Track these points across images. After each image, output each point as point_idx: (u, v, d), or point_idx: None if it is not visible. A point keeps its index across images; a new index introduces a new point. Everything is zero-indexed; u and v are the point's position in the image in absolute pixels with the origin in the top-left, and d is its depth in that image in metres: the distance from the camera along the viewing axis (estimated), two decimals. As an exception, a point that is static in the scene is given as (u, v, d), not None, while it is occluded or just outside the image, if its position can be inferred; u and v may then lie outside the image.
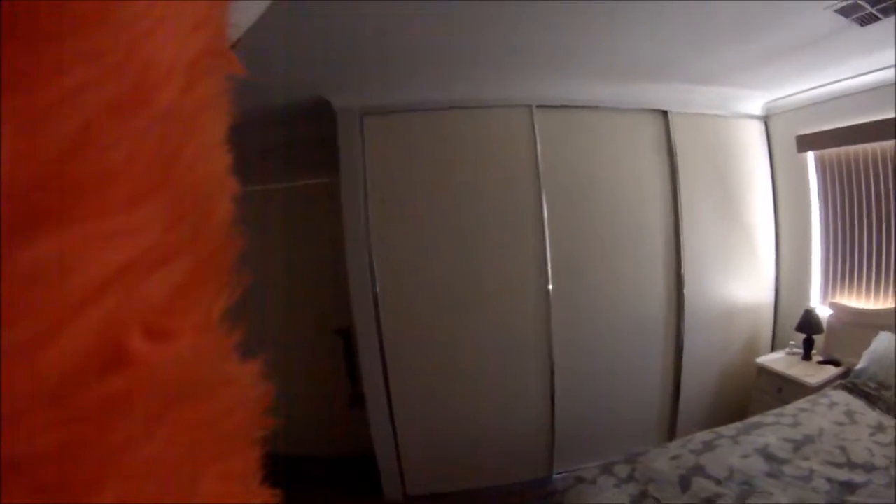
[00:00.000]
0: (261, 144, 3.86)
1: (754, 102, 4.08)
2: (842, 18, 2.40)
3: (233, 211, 0.29)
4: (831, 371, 3.45)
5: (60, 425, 0.20)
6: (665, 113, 3.86)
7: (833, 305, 3.76)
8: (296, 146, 4.05)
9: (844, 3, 2.24)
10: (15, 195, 0.19)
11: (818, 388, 3.25)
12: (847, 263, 3.74)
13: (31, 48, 0.20)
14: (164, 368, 0.23)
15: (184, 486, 0.25)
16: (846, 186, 3.70)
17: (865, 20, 2.41)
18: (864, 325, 3.43)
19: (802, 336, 3.71)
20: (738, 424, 2.85)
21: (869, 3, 2.23)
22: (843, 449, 2.47)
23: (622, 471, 2.50)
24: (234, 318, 0.29)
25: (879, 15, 2.34)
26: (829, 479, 2.25)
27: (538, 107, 3.62)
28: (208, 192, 0.27)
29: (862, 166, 3.57)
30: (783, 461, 2.42)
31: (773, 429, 2.73)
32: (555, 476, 3.59)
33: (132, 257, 0.22)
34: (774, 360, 3.84)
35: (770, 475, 2.32)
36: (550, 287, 3.67)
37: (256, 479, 0.31)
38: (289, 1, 1.78)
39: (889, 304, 3.43)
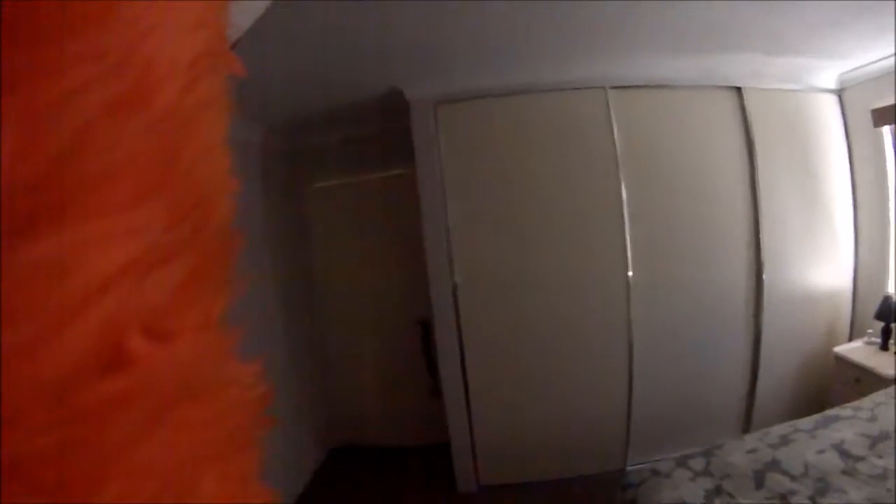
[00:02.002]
0: (338, 139, 3.97)
1: (828, 74, 3.84)
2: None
3: (233, 210, 0.29)
4: (911, 362, 3.34)
5: (60, 425, 0.20)
6: (739, 90, 3.71)
7: (916, 292, 3.62)
8: (372, 139, 4.11)
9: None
10: (15, 195, 0.19)
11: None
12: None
13: (31, 48, 0.20)
14: (163, 369, 0.23)
15: (184, 486, 0.25)
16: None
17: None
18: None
19: (881, 324, 3.58)
20: (815, 417, 2.76)
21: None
22: (921, 447, 2.34)
23: (698, 464, 2.48)
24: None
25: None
26: (905, 479, 2.15)
27: (612, 88, 3.53)
28: (208, 192, 0.27)
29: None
30: (858, 458, 2.34)
31: (849, 423, 2.64)
32: (629, 468, 3.51)
33: (132, 257, 0.22)
34: (852, 349, 3.67)
35: (845, 472, 2.26)
36: (630, 274, 3.61)
37: (257, 479, 0.31)
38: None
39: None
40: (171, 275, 0.24)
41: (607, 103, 3.53)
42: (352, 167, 4.18)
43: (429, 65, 3.03)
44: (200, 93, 0.26)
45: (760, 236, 3.75)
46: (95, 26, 0.22)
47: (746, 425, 3.85)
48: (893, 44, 3.19)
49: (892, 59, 3.40)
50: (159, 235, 0.24)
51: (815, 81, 3.84)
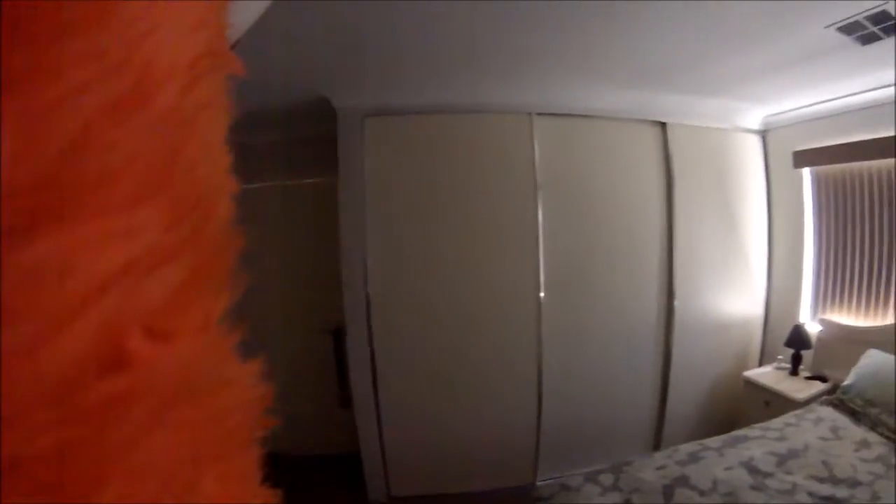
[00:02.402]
0: (260, 143, 3.87)
1: (753, 116, 4.11)
2: (843, 36, 2.41)
3: (233, 210, 0.29)
4: (818, 387, 3.48)
5: (60, 425, 0.20)
6: (664, 124, 3.89)
7: (823, 322, 3.79)
8: (295, 145, 4.04)
9: (846, 22, 2.26)
10: (15, 195, 0.19)
11: (805, 404, 3.27)
12: (839, 280, 3.76)
13: (31, 48, 0.20)
14: (163, 369, 0.23)
15: (184, 487, 0.25)
16: (841, 204, 3.72)
17: (867, 39, 2.43)
18: (853, 341, 3.45)
19: (791, 351, 3.73)
20: (723, 437, 2.86)
21: (871, 22, 2.25)
22: (827, 464, 2.49)
23: (607, 479, 2.51)
24: (234, 317, 0.29)
25: (881, 34, 2.36)
26: (812, 494, 2.27)
27: (538, 114, 3.63)
28: (208, 192, 0.27)
29: (857, 184, 3.59)
30: (767, 475, 2.44)
31: (758, 442, 2.75)
32: (539, 483, 3.59)
33: (132, 257, 0.22)
34: (762, 374, 3.86)
35: (754, 488, 2.34)
36: (542, 295, 3.68)
37: (257, 480, 0.31)
38: (291, 0, 1.77)
39: (879, 322, 3.45)
40: (171, 275, 0.24)
41: (531, 129, 3.63)
42: (276, 171, 4.08)
43: (360, 76, 3.05)
44: (200, 93, 0.26)
45: (674, 265, 3.93)
46: (95, 26, 0.22)
47: (656, 444, 3.99)
48: (818, 93, 3.50)
49: (817, 106, 3.70)
50: (159, 235, 0.23)
51: (740, 122, 4.14)
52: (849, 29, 2.33)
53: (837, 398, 3.12)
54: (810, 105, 3.73)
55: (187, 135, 0.26)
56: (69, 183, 0.21)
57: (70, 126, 0.21)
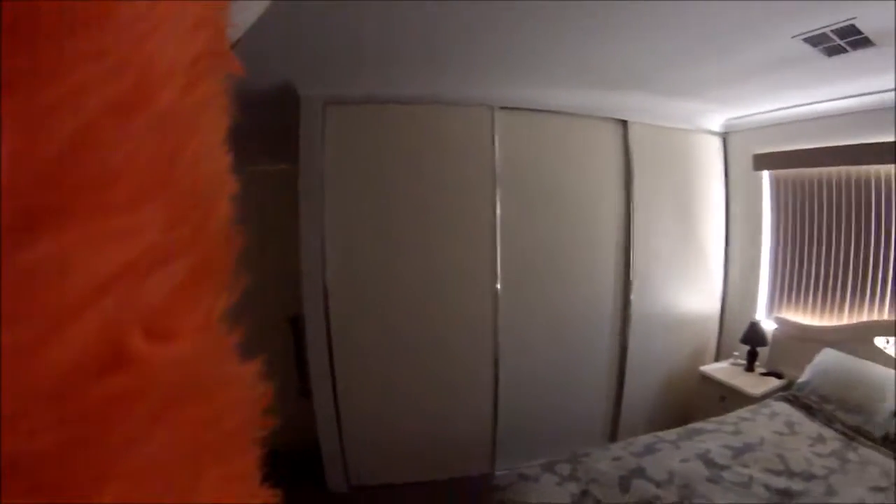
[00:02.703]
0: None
1: (715, 118, 4.19)
2: (809, 47, 2.47)
3: (233, 210, 0.30)
4: (774, 383, 3.59)
5: (60, 425, 0.20)
6: (625, 122, 3.94)
7: (778, 320, 3.90)
8: (253, 132, 3.94)
9: (814, 33, 2.31)
10: (15, 195, 0.19)
11: (760, 399, 3.36)
12: (794, 280, 3.89)
13: (31, 48, 0.20)
14: (164, 368, 0.23)
15: (184, 486, 0.25)
16: (799, 206, 3.84)
17: (832, 51, 2.50)
18: (808, 339, 3.57)
19: (747, 348, 3.84)
20: (679, 430, 2.92)
21: (837, 35, 2.30)
22: (782, 457, 2.56)
23: (564, 469, 2.54)
24: (235, 316, 0.30)
25: (847, 47, 2.43)
26: (768, 486, 2.34)
27: (500, 108, 3.64)
28: (208, 192, 0.27)
29: (815, 188, 3.71)
30: (723, 467, 2.50)
31: (714, 435, 2.81)
32: (497, 472, 3.61)
33: (132, 257, 0.22)
34: (718, 369, 3.95)
35: (710, 480, 2.40)
36: (499, 286, 3.71)
37: (257, 479, 0.31)
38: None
39: (833, 322, 3.57)
40: (171, 275, 0.24)
41: (492, 122, 3.65)
42: (240, 157, 3.95)
43: (323, 64, 3.00)
44: (200, 93, 0.26)
45: (631, 259, 3.99)
46: (95, 26, 0.22)
47: (612, 435, 4.06)
48: (781, 99, 3.58)
49: (778, 112, 3.79)
50: (159, 235, 0.23)
51: (701, 123, 4.22)
52: (815, 40, 2.39)
53: (792, 394, 3.23)
54: (772, 111, 3.83)
55: (187, 135, 0.26)
56: (69, 183, 0.21)
57: (70, 126, 0.21)
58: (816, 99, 3.41)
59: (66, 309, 0.20)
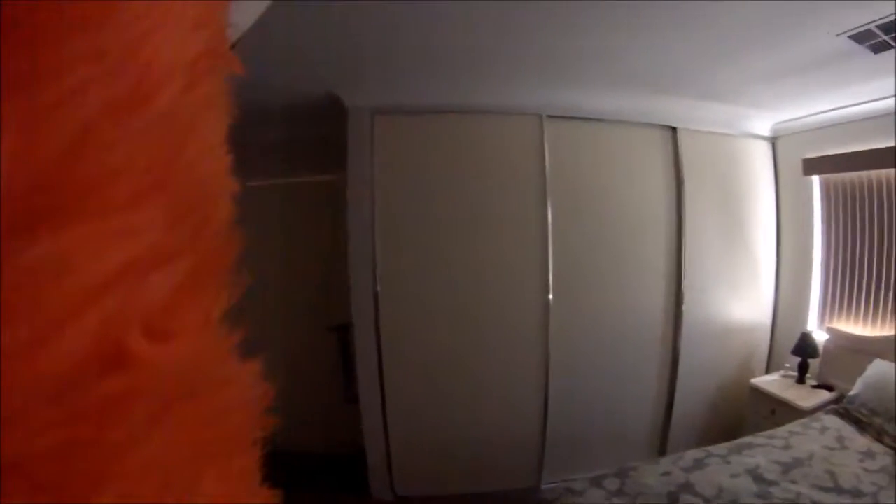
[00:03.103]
0: (268, 140, 3.86)
1: (763, 123, 4.09)
2: (854, 44, 2.40)
3: (233, 211, 0.29)
4: (824, 396, 3.46)
5: (60, 425, 0.20)
6: (674, 129, 3.87)
7: (830, 330, 3.76)
8: (303, 143, 4.04)
9: (858, 30, 2.25)
10: (15, 195, 0.19)
11: (811, 412, 3.25)
12: (846, 289, 3.74)
13: (31, 48, 0.20)
14: (164, 368, 0.23)
15: (184, 486, 0.25)
16: (850, 212, 3.70)
17: (878, 48, 2.42)
18: (859, 351, 3.42)
19: (797, 359, 3.71)
20: (728, 444, 2.85)
21: (882, 30, 2.23)
22: (831, 473, 2.47)
23: (612, 484, 2.50)
24: (236, 315, 0.29)
25: (892, 43, 2.35)
26: (816, 503, 2.26)
27: (548, 116, 3.62)
28: (208, 192, 0.27)
29: (867, 193, 3.57)
30: (772, 483, 2.42)
31: (763, 450, 2.73)
32: (544, 486, 3.58)
33: (132, 257, 0.22)
34: (769, 381, 3.84)
35: (758, 496, 2.33)
36: (550, 297, 3.67)
37: (257, 479, 0.31)
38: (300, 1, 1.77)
39: (885, 332, 3.43)
40: (171, 275, 0.24)
41: (542, 131, 3.62)
42: (282, 169, 4.09)
43: (371, 74, 3.05)
44: (200, 93, 0.26)
45: (682, 268, 3.90)
46: (96, 26, 0.22)
47: (661, 449, 3.97)
48: (829, 100, 3.48)
49: (827, 113, 3.66)
50: (159, 235, 0.23)
51: (749, 128, 4.11)
52: (860, 37, 2.32)
53: (843, 407, 3.10)
54: (821, 112, 3.70)
55: (187, 135, 0.26)
56: (69, 183, 0.21)
57: (70, 126, 0.21)
58: (865, 98, 3.29)
59: (67, 309, 0.20)
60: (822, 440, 2.79)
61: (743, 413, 3.92)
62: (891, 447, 2.69)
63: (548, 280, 3.66)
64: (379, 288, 3.48)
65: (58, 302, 0.20)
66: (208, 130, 0.28)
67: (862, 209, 3.61)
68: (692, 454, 2.75)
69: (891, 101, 3.19)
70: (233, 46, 0.35)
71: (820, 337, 3.78)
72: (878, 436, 2.79)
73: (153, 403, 0.23)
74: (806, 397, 3.46)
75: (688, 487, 2.41)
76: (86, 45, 0.21)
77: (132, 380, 0.22)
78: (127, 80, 0.22)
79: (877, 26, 2.21)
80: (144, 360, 0.22)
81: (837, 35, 2.32)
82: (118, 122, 0.22)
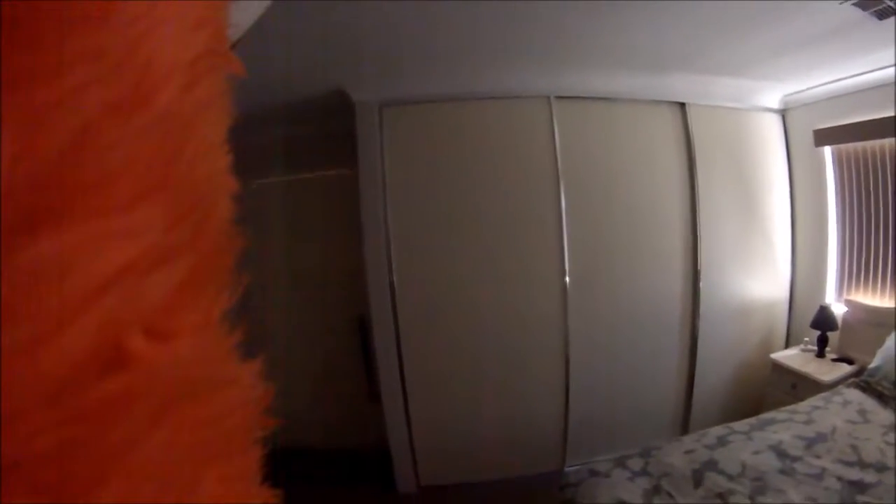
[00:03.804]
0: (279, 137, 3.86)
1: (772, 95, 4.02)
2: (859, 11, 2.36)
3: (233, 210, 0.29)
4: (845, 369, 3.42)
5: (60, 425, 0.20)
6: (683, 105, 3.83)
7: (848, 303, 3.72)
8: (312, 139, 4.03)
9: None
10: (15, 195, 0.19)
11: (832, 386, 3.22)
12: (863, 261, 3.69)
13: (31, 48, 0.20)
14: (164, 368, 0.23)
15: (184, 486, 0.25)
16: (863, 182, 3.64)
17: (883, 13, 2.37)
18: (878, 323, 3.38)
19: (817, 333, 3.67)
20: (751, 420, 2.83)
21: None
22: (854, 448, 2.45)
23: (636, 464, 2.50)
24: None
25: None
26: (841, 478, 2.24)
27: (557, 98, 3.60)
28: (208, 192, 0.27)
29: (879, 162, 3.51)
30: (795, 458, 2.41)
31: (786, 426, 2.71)
32: (567, 469, 3.58)
33: (132, 257, 0.22)
34: (789, 356, 3.80)
35: (782, 472, 2.31)
36: (567, 280, 3.65)
37: (257, 480, 0.31)
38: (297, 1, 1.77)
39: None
40: (172, 275, 0.24)
41: (551, 112, 3.60)
42: (292, 165, 4.09)
43: (376, 67, 3.04)
44: (200, 93, 0.26)
45: (698, 247, 3.87)
46: (96, 26, 0.22)
47: (684, 428, 3.95)
48: (837, 70, 3.42)
49: (836, 83, 3.60)
50: (159, 235, 0.23)
51: (758, 101, 4.06)
52: (865, 4, 2.28)
53: (864, 381, 3.07)
54: (829, 83, 3.64)
55: (187, 135, 0.26)
56: (69, 183, 0.21)
57: (70, 126, 0.21)
58: (873, 66, 3.23)
59: (66, 309, 0.20)
60: (845, 414, 2.76)
61: (764, 389, 3.89)
62: (914, 420, 2.66)
63: (564, 263, 3.65)
64: (395, 278, 3.49)
65: (58, 302, 0.20)
66: (208, 130, 0.28)
67: (875, 178, 3.55)
68: (715, 431, 2.74)
69: (898, 68, 3.15)
70: (233, 46, 0.35)
71: (838, 310, 3.75)
72: (901, 408, 2.76)
73: (153, 404, 0.23)
74: (826, 371, 3.43)
75: (712, 465, 2.40)
76: (86, 45, 0.21)
77: (132, 380, 0.22)
78: (127, 80, 0.23)
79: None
80: (144, 361, 0.22)
81: (842, 2, 2.28)
82: (118, 122, 0.22)
